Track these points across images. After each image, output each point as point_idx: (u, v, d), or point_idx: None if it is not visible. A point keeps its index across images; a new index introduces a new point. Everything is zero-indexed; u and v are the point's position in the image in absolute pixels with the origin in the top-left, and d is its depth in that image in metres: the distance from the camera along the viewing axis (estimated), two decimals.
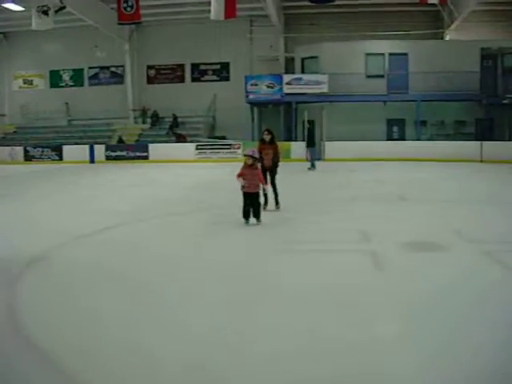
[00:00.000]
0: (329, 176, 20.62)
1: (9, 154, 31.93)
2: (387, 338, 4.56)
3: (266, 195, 10.92)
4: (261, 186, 9.74)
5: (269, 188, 10.88)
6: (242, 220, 9.44)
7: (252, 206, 9.48)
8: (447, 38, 32.32)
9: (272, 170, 11.39)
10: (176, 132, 32.29)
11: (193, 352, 4.29)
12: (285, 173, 19.44)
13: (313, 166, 22.91)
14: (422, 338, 4.45)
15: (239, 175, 9.51)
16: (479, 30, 31.32)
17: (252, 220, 9.50)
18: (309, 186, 17.31)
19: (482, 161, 25.18)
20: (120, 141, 32.65)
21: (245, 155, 9.85)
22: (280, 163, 11.66)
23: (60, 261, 7.34)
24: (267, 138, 11.37)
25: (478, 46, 29.52)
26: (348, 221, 10.07)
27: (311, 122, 25.59)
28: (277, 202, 11.33)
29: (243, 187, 9.44)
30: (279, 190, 11.46)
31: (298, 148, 28.38)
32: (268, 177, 11.25)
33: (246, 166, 9.55)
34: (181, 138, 31.68)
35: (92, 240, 8.66)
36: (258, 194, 9.59)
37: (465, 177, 19.05)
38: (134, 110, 36.08)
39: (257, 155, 9.82)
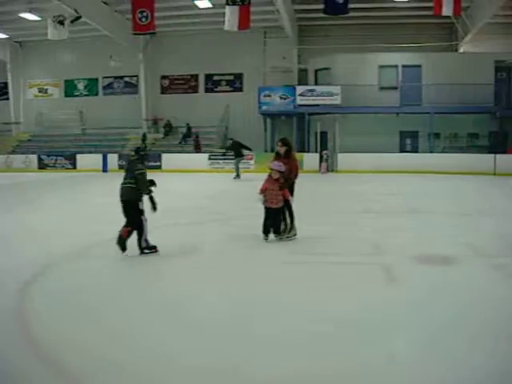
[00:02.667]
0: (341, 188, 20.60)
1: (23, 161, 32.17)
2: (400, 353, 4.53)
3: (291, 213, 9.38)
4: (290, 198, 9.17)
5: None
6: (261, 235, 8.97)
7: (273, 221, 8.96)
8: (461, 50, 32.24)
9: (290, 187, 9.46)
10: (197, 139, 32.26)
11: (204, 351, 4.33)
12: (296, 184, 19.37)
13: (237, 175, 24.41)
14: (437, 353, 4.42)
15: (263, 190, 8.94)
16: (493, 42, 31.20)
17: (271, 236, 9.01)
18: (321, 198, 17.30)
19: (495, 174, 25.08)
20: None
21: (271, 169, 9.04)
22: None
23: (69, 269, 7.35)
24: (282, 150, 9.39)
25: (492, 58, 29.45)
26: (360, 233, 10.05)
27: (233, 139, 26.93)
28: (291, 229, 9.31)
29: (265, 201, 8.93)
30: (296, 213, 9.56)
31: (311, 159, 28.40)
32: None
33: (271, 180, 8.93)
34: (198, 146, 31.82)
35: (101, 249, 8.67)
36: (280, 210, 8.98)
37: (478, 190, 18.97)
38: (147, 120, 36.23)
39: (283, 169, 8.95)
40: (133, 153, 8.80)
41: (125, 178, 8.28)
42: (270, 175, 9.01)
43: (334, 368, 4.17)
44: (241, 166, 24.81)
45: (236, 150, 24.71)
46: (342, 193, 18.95)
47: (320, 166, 27.90)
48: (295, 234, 9.25)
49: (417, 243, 8.94)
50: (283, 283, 6.63)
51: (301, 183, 15.89)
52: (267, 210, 8.95)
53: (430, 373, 4.05)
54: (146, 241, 7.98)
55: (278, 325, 5.10)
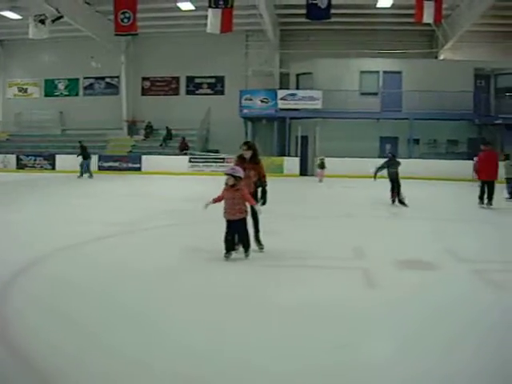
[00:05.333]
0: (321, 192, 20.66)
1: (1, 161, 31.88)
2: (377, 356, 4.57)
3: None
4: (249, 208, 7.95)
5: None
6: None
7: (238, 235, 7.91)
8: (441, 57, 32.60)
9: (254, 197, 8.30)
10: (184, 141, 32.19)
11: (183, 362, 4.30)
12: (278, 188, 19.46)
13: (88, 174, 26.33)
14: (412, 358, 4.46)
15: (216, 200, 7.85)
16: (473, 50, 31.60)
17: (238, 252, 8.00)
18: (301, 202, 17.35)
19: (473, 180, 25.30)
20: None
21: (225, 174, 7.90)
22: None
23: (46, 271, 7.27)
24: (247, 154, 8.41)
25: (471, 66, 29.83)
26: (340, 237, 10.09)
27: (81, 142, 28.17)
28: (258, 241, 8.49)
29: (224, 213, 7.80)
30: (262, 227, 8.67)
31: (291, 163, 28.51)
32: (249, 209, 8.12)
33: (228, 188, 7.77)
34: (184, 146, 31.77)
35: (80, 250, 8.62)
36: (243, 221, 7.83)
37: (457, 196, 19.13)
38: (127, 121, 36.08)
39: (240, 174, 7.75)
40: None
41: None
42: (226, 183, 7.83)
43: (309, 369, 4.18)
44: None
45: None
46: (322, 197, 19.01)
47: (316, 172, 26.36)
48: (262, 249, 8.45)
49: (397, 248, 8.99)
50: (261, 286, 6.64)
51: (281, 187, 16.02)
52: (228, 222, 7.81)
53: (405, 375, 4.09)
54: None
55: (253, 327, 5.11)
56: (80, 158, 26.93)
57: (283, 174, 28.42)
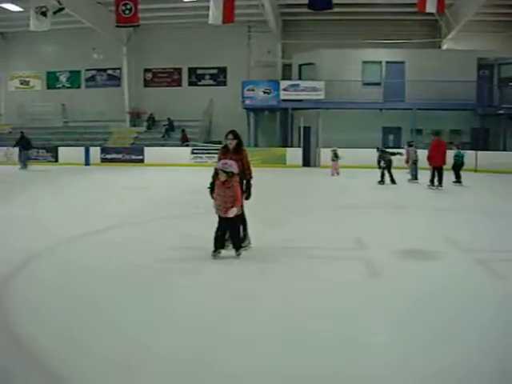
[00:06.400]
0: (324, 182, 20.63)
1: (4, 154, 31.87)
2: (379, 344, 4.57)
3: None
4: (231, 208, 7.38)
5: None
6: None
7: (229, 233, 7.55)
8: (444, 47, 32.42)
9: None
10: (184, 133, 32.15)
11: (187, 346, 4.35)
12: (280, 178, 19.46)
13: (24, 166, 26.53)
14: (414, 346, 4.46)
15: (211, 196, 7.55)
16: (476, 39, 31.42)
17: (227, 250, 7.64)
18: (304, 193, 17.32)
19: (476, 170, 25.25)
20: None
21: (218, 170, 7.42)
22: (253, 176, 8.09)
23: (52, 262, 7.31)
24: (233, 143, 7.88)
25: (474, 55, 29.67)
26: (343, 228, 10.09)
27: (22, 133, 28.38)
28: (244, 238, 7.97)
29: (216, 209, 7.47)
30: (251, 223, 8.13)
31: (294, 154, 28.49)
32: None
33: (219, 184, 7.37)
34: (185, 138, 31.74)
35: (84, 242, 8.64)
36: (235, 219, 7.48)
37: (459, 186, 19.07)
38: (130, 113, 36.04)
39: (233, 169, 7.32)
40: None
41: None
42: (218, 178, 7.40)
43: (314, 362, 4.18)
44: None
45: None
46: (324, 188, 18.99)
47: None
48: (249, 243, 8.04)
49: (399, 238, 9.00)
50: (265, 277, 6.64)
51: (284, 178, 15.92)
52: (219, 219, 7.50)
53: (408, 363, 4.08)
54: None
55: (258, 321, 5.11)
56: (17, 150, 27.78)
57: (286, 164, 28.37)
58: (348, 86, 28.92)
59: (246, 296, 5.86)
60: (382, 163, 19.39)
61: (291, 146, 30.37)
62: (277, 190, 14.73)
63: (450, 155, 18.87)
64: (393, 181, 19.09)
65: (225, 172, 7.28)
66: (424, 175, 18.60)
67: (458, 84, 27.65)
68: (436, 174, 17.58)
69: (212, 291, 6.04)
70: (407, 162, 20.85)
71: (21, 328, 4.81)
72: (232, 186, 7.32)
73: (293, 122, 30.89)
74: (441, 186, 17.38)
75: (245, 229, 7.95)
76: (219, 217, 7.46)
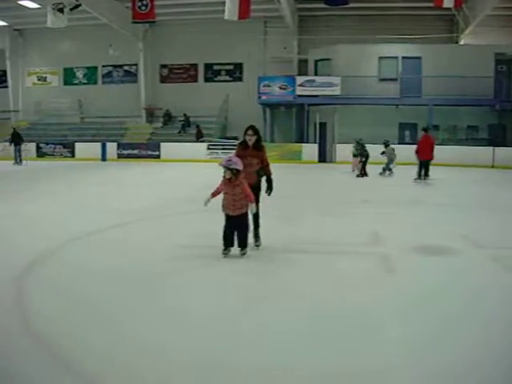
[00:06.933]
0: (340, 178, 20.59)
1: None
2: (397, 341, 4.56)
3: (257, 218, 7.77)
4: (249, 205, 7.23)
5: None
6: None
7: (237, 231, 7.26)
8: (461, 42, 32.15)
9: (255, 188, 7.60)
10: (198, 128, 32.20)
11: (198, 344, 4.34)
12: (296, 174, 19.44)
13: (18, 162, 27.47)
14: (429, 345, 4.45)
15: (215, 193, 7.31)
16: (494, 34, 31.13)
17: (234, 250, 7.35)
18: (320, 189, 17.31)
19: (493, 166, 25.10)
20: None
21: (221, 166, 7.21)
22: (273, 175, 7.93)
23: (64, 258, 7.35)
24: (252, 139, 7.68)
25: (492, 50, 29.39)
26: (359, 224, 10.07)
27: (14, 129, 29.04)
28: (257, 237, 7.79)
29: (223, 207, 7.29)
30: (264, 221, 7.96)
31: (310, 150, 28.45)
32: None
33: (226, 182, 7.16)
34: (200, 135, 31.78)
35: (97, 238, 8.68)
36: (243, 217, 7.29)
37: (476, 182, 18.98)
38: (146, 109, 36.16)
39: (238, 166, 7.08)
40: None
41: None
42: (224, 176, 7.21)
43: (331, 357, 4.19)
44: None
45: None
46: (341, 183, 18.97)
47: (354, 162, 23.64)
48: (258, 246, 7.78)
49: (415, 234, 8.97)
50: (281, 272, 6.65)
51: (299, 174, 15.81)
52: (227, 217, 7.31)
53: (422, 358, 4.07)
54: None
55: (275, 315, 5.13)
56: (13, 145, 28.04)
57: (301, 160, 28.37)
58: (364, 82, 28.82)
59: (259, 292, 5.86)
60: (359, 157, 20.90)
61: (307, 142, 30.32)
62: (292, 186, 14.60)
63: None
64: (365, 174, 20.45)
65: (229, 169, 7.06)
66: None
67: (475, 79, 27.44)
68: (423, 167, 18.65)
69: (224, 288, 6.05)
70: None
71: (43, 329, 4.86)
72: (240, 183, 7.11)
73: (309, 117, 30.83)
74: (427, 177, 18.50)
75: (257, 227, 7.81)
76: (226, 215, 7.26)
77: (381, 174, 20.89)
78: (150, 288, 5.90)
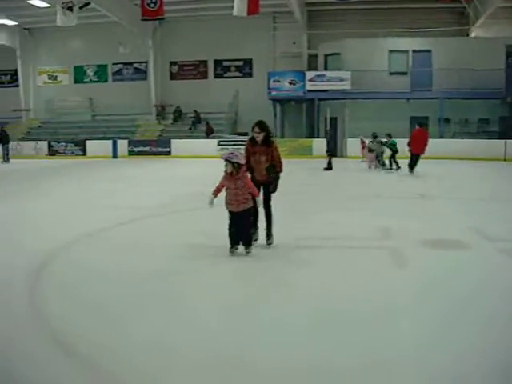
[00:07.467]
0: (351, 173, 20.55)
1: (33, 148, 32.31)
2: (409, 335, 4.56)
3: (256, 218, 7.56)
4: (257, 200, 7.16)
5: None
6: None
7: (241, 229, 7.05)
8: (472, 34, 31.95)
9: (267, 185, 7.51)
10: (208, 125, 32.24)
11: (208, 343, 4.32)
12: (305, 170, 19.43)
13: (6, 160, 28.30)
14: (439, 337, 4.44)
15: (216, 191, 7.10)
16: (505, 27, 30.90)
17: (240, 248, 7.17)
18: (330, 183, 17.30)
19: (505, 159, 24.96)
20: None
21: (224, 159, 7.06)
22: (284, 170, 7.67)
23: (73, 256, 7.35)
24: (259, 136, 7.43)
25: (503, 43, 29.21)
26: (369, 217, 10.05)
27: (2, 128, 29.77)
28: (269, 235, 7.60)
29: (226, 204, 7.09)
30: (276, 217, 7.77)
31: (320, 145, 28.40)
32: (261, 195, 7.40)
33: (228, 176, 6.99)
34: (210, 131, 31.82)
35: (106, 235, 8.71)
36: (247, 213, 7.08)
37: (487, 175, 18.89)
38: (156, 106, 36.24)
39: (240, 160, 6.92)
40: None
41: None
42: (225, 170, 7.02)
43: (340, 351, 4.19)
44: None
45: None
46: (351, 178, 18.93)
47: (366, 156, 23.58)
48: (273, 241, 7.61)
49: (425, 228, 8.93)
50: (293, 267, 6.65)
51: (310, 168, 15.67)
52: (230, 214, 7.12)
53: (437, 360, 4.06)
54: None
55: (286, 308, 5.14)
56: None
57: (312, 155, 28.33)
58: (374, 76, 28.72)
59: (268, 288, 5.84)
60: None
61: (317, 137, 30.26)
62: (301, 181, 14.60)
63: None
64: (330, 167, 21.05)
65: (230, 162, 6.88)
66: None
67: (486, 72, 27.29)
68: (414, 160, 19.03)
69: (234, 285, 6.07)
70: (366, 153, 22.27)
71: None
72: (243, 177, 6.95)
73: (319, 112, 30.77)
74: (412, 171, 18.81)
75: (270, 225, 7.63)
76: (230, 212, 7.08)
77: (379, 168, 20.95)
78: (158, 287, 5.85)
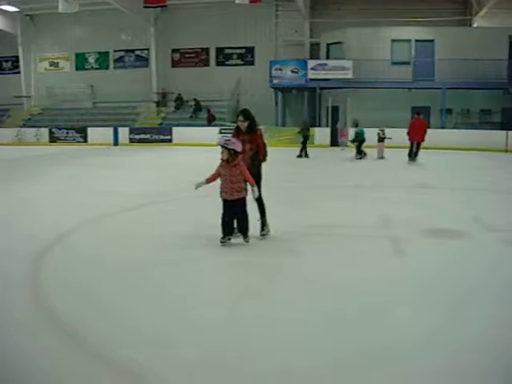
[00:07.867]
0: (351, 162, 20.53)
1: (34, 135, 32.27)
2: (405, 325, 4.57)
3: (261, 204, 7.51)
4: (249, 188, 7.04)
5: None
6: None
7: (236, 217, 7.06)
8: (475, 25, 31.81)
9: (254, 176, 7.19)
10: (209, 112, 32.19)
11: (205, 337, 4.32)
12: (308, 158, 19.39)
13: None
14: (438, 320, 4.45)
15: (211, 179, 7.08)
16: (508, 17, 30.77)
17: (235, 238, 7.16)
18: (332, 172, 17.30)
19: (507, 150, 24.93)
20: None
21: (218, 145, 7.14)
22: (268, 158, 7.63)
23: (73, 244, 7.36)
24: (244, 125, 7.34)
25: (506, 33, 29.07)
26: (369, 206, 10.07)
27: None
28: (263, 225, 7.53)
29: (220, 192, 7.04)
30: (272, 207, 7.73)
31: (322, 133, 28.38)
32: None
33: (224, 164, 6.96)
34: (212, 118, 31.76)
35: (105, 223, 8.75)
36: (242, 202, 7.05)
37: (489, 166, 18.87)
38: (158, 94, 36.16)
39: (236, 147, 6.89)
40: None
41: None
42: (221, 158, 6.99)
43: (337, 338, 4.21)
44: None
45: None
46: (352, 167, 18.91)
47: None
48: (269, 231, 7.55)
49: (425, 217, 8.95)
50: (289, 257, 6.66)
51: (312, 157, 15.65)
52: (224, 202, 7.04)
53: (434, 338, 4.08)
54: None
55: (283, 295, 5.15)
56: None
57: (314, 144, 28.25)
58: (376, 65, 28.62)
59: (265, 279, 5.84)
60: (302, 135, 22.26)
61: (319, 126, 30.21)
62: (301, 170, 14.56)
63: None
64: (306, 155, 21.80)
65: (227, 149, 6.85)
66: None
67: (488, 62, 27.21)
68: (415, 147, 19.63)
69: (229, 277, 6.08)
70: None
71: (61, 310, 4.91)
72: (239, 164, 6.89)
73: (321, 101, 30.70)
74: (414, 160, 19.39)
75: (263, 215, 7.50)
76: (224, 201, 7.00)
77: (356, 158, 21.17)
78: (152, 279, 5.80)
